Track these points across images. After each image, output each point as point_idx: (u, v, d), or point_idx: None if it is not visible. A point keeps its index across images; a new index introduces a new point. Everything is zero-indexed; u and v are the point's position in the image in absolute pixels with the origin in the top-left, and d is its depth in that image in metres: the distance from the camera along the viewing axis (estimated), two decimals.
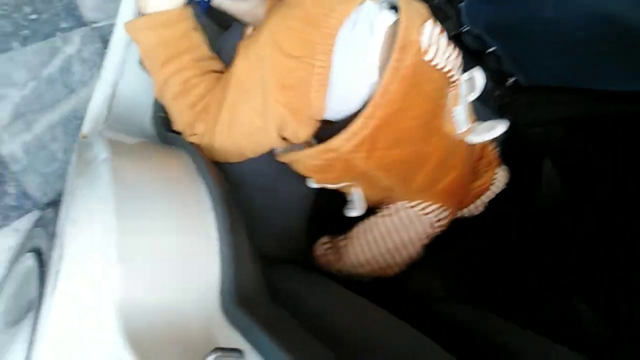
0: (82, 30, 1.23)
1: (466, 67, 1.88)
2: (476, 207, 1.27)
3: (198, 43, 0.83)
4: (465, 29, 1.52)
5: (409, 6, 0.79)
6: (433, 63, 0.79)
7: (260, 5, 0.88)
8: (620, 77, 1.43)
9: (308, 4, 0.73)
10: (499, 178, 1.29)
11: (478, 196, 1.25)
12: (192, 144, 0.76)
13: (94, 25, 1.25)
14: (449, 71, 0.85)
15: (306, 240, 0.95)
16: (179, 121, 0.81)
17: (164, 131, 0.86)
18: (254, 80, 0.73)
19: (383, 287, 1.01)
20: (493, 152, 1.32)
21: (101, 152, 0.67)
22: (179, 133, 0.82)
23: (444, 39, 0.84)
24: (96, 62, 1.29)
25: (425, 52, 0.77)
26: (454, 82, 0.89)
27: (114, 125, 0.83)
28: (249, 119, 0.75)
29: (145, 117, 0.89)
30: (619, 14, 1.21)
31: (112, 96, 0.85)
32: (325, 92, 0.74)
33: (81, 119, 0.97)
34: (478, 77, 0.97)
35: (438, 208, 1.02)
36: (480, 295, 1.12)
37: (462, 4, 1.45)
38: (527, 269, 1.27)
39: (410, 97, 0.77)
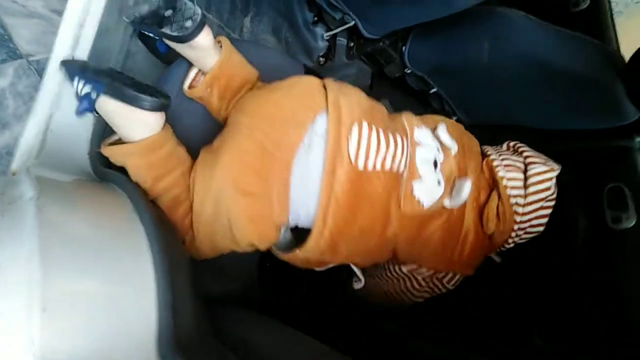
0: (16, 63, 1.17)
1: (414, 109, 1.99)
2: None
3: (183, 157, 0.82)
4: (409, 71, 1.59)
5: (335, 112, 0.77)
6: (369, 169, 0.76)
7: (210, 55, 0.87)
8: (552, 116, 1.53)
9: (259, 128, 0.75)
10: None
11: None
12: (130, 181, 0.72)
13: (31, 58, 1.19)
14: (392, 166, 0.80)
15: (258, 274, 0.91)
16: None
17: (101, 167, 0.82)
18: (219, 221, 0.74)
19: (355, 327, 0.99)
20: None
21: (27, 190, 0.62)
22: (116, 168, 0.78)
23: (375, 137, 0.78)
24: (32, 96, 1.22)
25: (355, 162, 0.75)
26: (401, 170, 0.82)
27: (46, 162, 0.77)
28: (222, 243, 0.77)
29: (82, 152, 0.84)
30: (547, 59, 1.32)
31: (46, 130, 0.80)
32: (287, 211, 0.75)
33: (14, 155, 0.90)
34: (466, 186, 0.87)
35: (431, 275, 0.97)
36: (447, 331, 1.12)
37: (405, 47, 1.52)
38: (489, 304, 1.28)
39: (357, 204, 0.76)
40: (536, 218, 0.92)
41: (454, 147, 0.89)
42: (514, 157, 0.94)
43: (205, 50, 0.85)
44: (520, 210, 0.89)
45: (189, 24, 0.81)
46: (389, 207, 0.79)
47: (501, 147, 1.05)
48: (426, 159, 0.83)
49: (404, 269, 0.95)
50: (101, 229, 0.59)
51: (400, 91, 1.87)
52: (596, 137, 1.52)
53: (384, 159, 0.77)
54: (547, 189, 0.91)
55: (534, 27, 1.31)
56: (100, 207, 0.65)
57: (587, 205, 1.57)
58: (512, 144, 1.03)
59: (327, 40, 1.55)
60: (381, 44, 1.47)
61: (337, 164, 0.73)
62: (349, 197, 0.74)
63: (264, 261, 0.98)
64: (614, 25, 1.74)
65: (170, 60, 0.94)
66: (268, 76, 0.94)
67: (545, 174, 0.91)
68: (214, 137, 0.81)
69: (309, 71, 1.05)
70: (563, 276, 1.41)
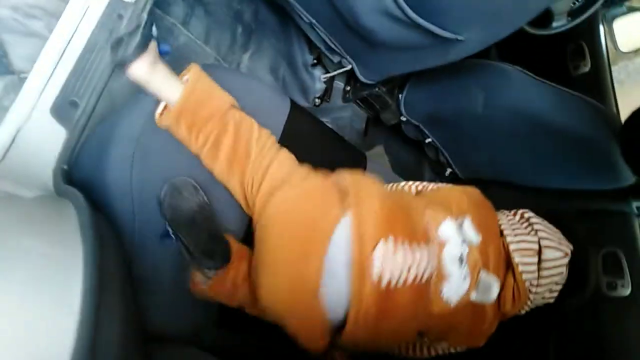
0: (7, 78, 1.17)
1: (409, 157, 1.98)
2: None
3: None
4: (404, 119, 1.58)
5: (360, 227, 0.76)
6: (394, 287, 0.75)
7: (169, 88, 0.79)
8: (546, 174, 1.50)
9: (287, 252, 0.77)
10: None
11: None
12: (85, 201, 0.68)
13: (22, 75, 1.20)
14: (416, 279, 0.77)
15: (204, 314, 0.84)
16: None
17: (63, 183, 0.79)
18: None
19: None
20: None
21: None
22: (75, 186, 0.75)
23: (400, 255, 0.76)
24: None
25: (380, 280, 0.73)
26: (426, 278, 0.79)
27: (4, 174, 0.74)
28: None
29: (47, 168, 0.81)
30: (542, 115, 1.30)
31: (10, 144, 0.77)
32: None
33: None
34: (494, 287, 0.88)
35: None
36: None
37: (401, 95, 1.52)
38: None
39: (383, 318, 0.76)
40: (548, 291, 0.95)
41: (477, 240, 0.88)
42: (529, 238, 0.94)
43: (152, 84, 0.77)
44: (533, 289, 0.91)
45: (130, 50, 0.71)
46: (415, 313, 0.80)
47: (514, 217, 1.06)
48: (453, 257, 0.83)
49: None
50: (42, 243, 0.55)
51: (396, 139, 1.86)
52: (593, 198, 1.48)
53: (407, 276, 0.76)
54: (560, 273, 0.94)
55: (530, 82, 1.30)
56: (49, 222, 0.62)
57: (582, 268, 1.51)
58: (526, 215, 1.04)
59: (325, 82, 1.56)
60: (377, 89, 1.47)
61: (362, 286, 0.73)
62: (376, 313, 0.74)
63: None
64: (614, 91, 1.74)
65: None
66: (252, 107, 0.92)
67: (558, 260, 0.93)
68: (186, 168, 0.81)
69: (296, 107, 1.03)
70: (548, 338, 1.36)
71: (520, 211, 1.07)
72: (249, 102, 0.92)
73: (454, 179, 1.84)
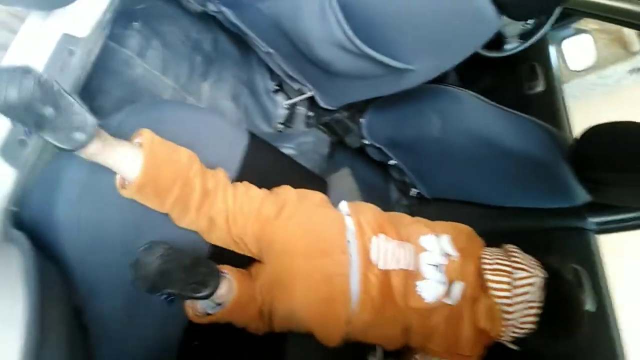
0: None
1: (376, 178, 2.00)
2: None
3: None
4: (367, 142, 1.61)
5: (360, 230, 0.97)
6: (389, 268, 0.95)
7: (126, 159, 0.77)
8: (504, 194, 1.54)
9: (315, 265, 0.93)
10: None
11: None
12: (31, 247, 0.66)
13: None
14: (405, 265, 0.97)
15: (164, 352, 0.82)
16: None
17: (10, 228, 0.76)
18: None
19: None
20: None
21: None
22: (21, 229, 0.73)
23: (391, 245, 0.97)
24: None
25: (377, 263, 0.94)
26: (411, 269, 0.98)
27: None
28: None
29: None
30: (495, 138, 1.35)
31: None
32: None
33: None
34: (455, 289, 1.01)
35: None
36: None
37: (363, 119, 1.55)
38: None
39: (383, 300, 0.94)
40: (523, 317, 0.98)
41: (455, 255, 1.03)
42: (505, 262, 1.03)
43: (106, 161, 0.75)
44: (508, 309, 0.97)
45: (78, 135, 0.69)
46: (404, 300, 0.96)
47: (500, 249, 1.14)
48: (429, 262, 0.99)
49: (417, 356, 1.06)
50: None
51: (361, 161, 1.88)
52: (552, 216, 1.52)
53: (398, 262, 0.96)
54: (526, 293, 0.97)
55: (483, 107, 1.34)
56: None
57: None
58: (509, 247, 1.12)
59: (287, 108, 1.57)
60: (339, 114, 1.49)
61: (367, 269, 0.93)
62: (378, 294, 0.93)
63: (189, 340, 0.90)
64: (566, 109, 1.82)
65: None
66: (208, 142, 0.91)
67: (525, 279, 0.98)
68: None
69: (254, 139, 1.03)
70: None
71: (505, 246, 1.15)
72: (204, 137, 0.92)
73: (420, 198, 1.88)
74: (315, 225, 0.96)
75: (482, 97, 1.37)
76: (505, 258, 1.06)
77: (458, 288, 0.99)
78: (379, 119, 1.53)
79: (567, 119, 1.75)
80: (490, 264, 1.03)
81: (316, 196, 1.04)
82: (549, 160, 1.32)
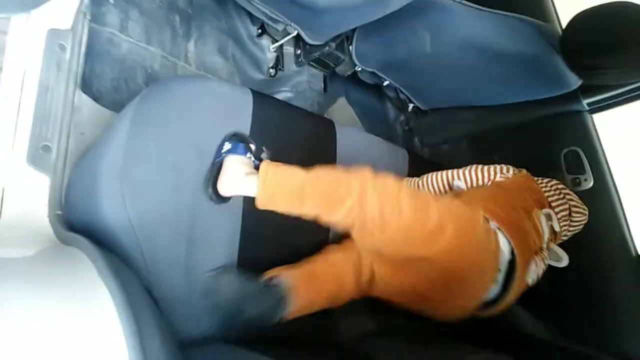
0: None
1: (372, 101, 2.02)
2: None
3: None
4: (359, 69, 1.61)
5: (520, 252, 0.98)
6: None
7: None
8: (499, 93, 1.59)
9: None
10: None
11: None
12: (94, 246, 0.72)
13: None
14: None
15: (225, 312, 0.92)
16: None
17: (64, 231, 0.82)
18: None
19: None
20: None
21: None
22: (79, 232, 0.79)
23: (534, 266, 1.04)
24: None
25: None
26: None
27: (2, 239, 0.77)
28: None
29: (41, 219, 0.84)
30: (486, 43, 1.36)
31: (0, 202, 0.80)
32: None
33: None
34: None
35: None
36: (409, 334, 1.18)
37: (352, 46, 1.54)
38: None
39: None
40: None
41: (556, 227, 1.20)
42: (564, 206, 1.27)
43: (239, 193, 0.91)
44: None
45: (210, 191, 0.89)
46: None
47: (549, 187, 1.32)
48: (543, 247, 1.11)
49: None
50: (62, 301, 0.61)
51: (355, 87, 1.90)
52: (548, 104, 1.58)
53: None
54: (582, 226, 1.32)
55: (471, 13, 1.34)
56: (58, 280, 0.66)
57: (548, 170, 1.64)
58: (559, 187, 1.33)
59: (275, 51, 1.56)
60: (327, 48, 1.49)
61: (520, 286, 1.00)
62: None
63: None
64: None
65: None
66: (218, 109, 0.94)
67: (583, 219, 1.32)
68: None
69: (258, 95, 1.06)
70: None
71: (552, 182, 1.34)
72: (214, 106, 0.95)
73: (417, 112, 1.92)
74: (475, 254, 0.94)
75: (467, 3, 1.36)
76: (563, 200, 1.29)
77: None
78: (368, 44, 1.52)
79: (553, 5, 1.74)
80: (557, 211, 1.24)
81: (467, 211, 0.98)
82: (540, 55, 1.35)
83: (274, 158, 1.01)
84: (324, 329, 1.06)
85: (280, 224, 1.03)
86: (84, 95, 1.00)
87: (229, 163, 0.90)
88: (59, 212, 0.87)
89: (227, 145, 0.93)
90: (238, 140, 0.94)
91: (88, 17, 1.03)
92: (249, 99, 1.02)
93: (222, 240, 0.93)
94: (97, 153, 0.84)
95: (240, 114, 0.99)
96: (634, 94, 1.49)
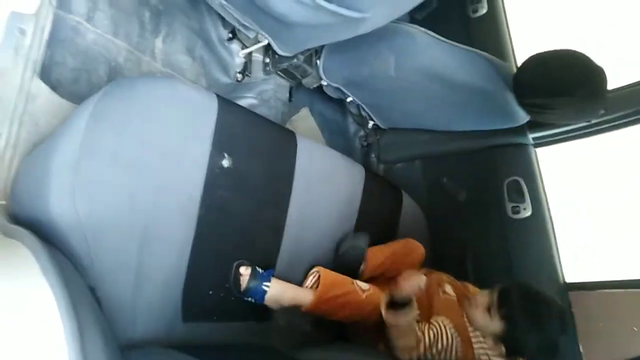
0: None
1: (334, 114, 2.07)
2: None
3: None
4: (325, 83, 1.65)
5: None
6: None
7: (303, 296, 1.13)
8: (454, 120, 1.68)
9: None
10: None
11: None
12: (38, 240, 0.70)
13: None
14: None
15: (169, 314, 0.92)
16: None
17: (6, 222, 0.79)
18: None
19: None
20: None
21: None
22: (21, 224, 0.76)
23: None
24: None
25: None
26: None
27: None
28: None
29: None
30: (445, 73, 1.44)
31: None
32: None
33: None
34: None
35: None
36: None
37: (319, 61, 1.58)
38: None
39: None
40: None
41: None
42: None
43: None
44: None
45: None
46: None
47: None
48: None
49: None
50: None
51: (319, 99, 1.93)
52: (497, 134, 1.68)
53: None
54: None
55: (433, 42, 1.42)
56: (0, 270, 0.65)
57: (491, 197, 1.75)
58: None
59: (244, 57, 1.57)
60: (296, 60, 1.51)
61: None
62: None
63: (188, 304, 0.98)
64: (509, 29, 1.92)
65: None
66: (181, 113, 0.94)
67: None
68: None
69: (223, 101, 1.06)
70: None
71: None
72: (178, 108, 0.95)
73: (376, 129, 1.99)
74: None
75: (432, 33, 1.43)
76: None
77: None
78: (335, 61, 1.57)
79: (510, 39, 1.87)
80: None
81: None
82: (493, 90, 1.44)
83: (234, 165, 1.02)
84: (259, 334, 1.08)
85: (233, 231, 1.04)
86: (42, 84, 0.97)
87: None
88: (3, 202, 0.84)
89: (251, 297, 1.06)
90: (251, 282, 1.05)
91: (54, 3, 1.00)
92: (214, 105, 1.02)
93: (175, 244, 0.93)
94: (52, 145, 0.81)
95: (204, 119, 1.00)
96: (576, 133, 1.62)
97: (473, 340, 1.07)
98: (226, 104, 1.06)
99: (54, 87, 1.06)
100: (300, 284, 1.20)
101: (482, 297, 1.08)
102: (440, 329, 1.07)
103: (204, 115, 1.00)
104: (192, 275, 0.94)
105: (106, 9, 1.22)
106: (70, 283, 0.65)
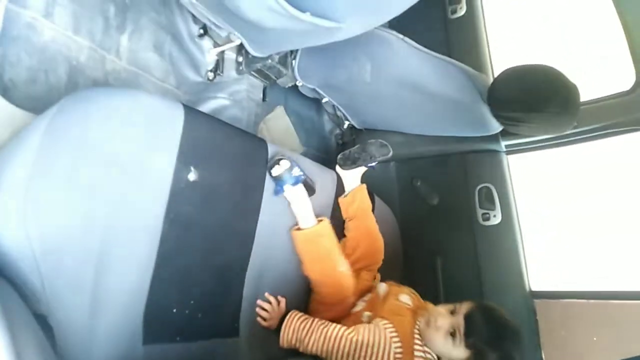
0: None
1: (309, 112, 2.04)
2: None
3: None
4: (300, 84, 1.61)
5: None
6: None
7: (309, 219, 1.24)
8: (427, 126, 1.68)
9: None
10: None
11: None
12: None
13: None
14: None
15: (130, 337, 0.87)
16: None
17: None
18: None
19: None
20: None
21: None
22: None
23: None
24: None
25: None
26: None
27: None
28: None
29: None
30: (420, 81, 1.43)
31: None
32: None
33: None
34: None
35: None
36: None
37: (295, 61, 1.53)
38: None
39: None
40: None
41: None
42: None
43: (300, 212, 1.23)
44: None
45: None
46: None
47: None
48: None
49: None
50: None
51: (294, 97, 1.89)
52: (470, 141, 1.69)
53: None
54: None
55: (411, 51, 1.40)
56: None
57: (462, 202, 1.77)
58: None
59: (216, 55, 1.51)
60: (270, 60, 1.47)
61: None
62: None
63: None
64: (486, 30, 1.92)
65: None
66: (146, 124, 0.89)
67: None
68: None
69: (190, 111, 1.02)
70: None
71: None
72: (141, 120, 0.89)
73: (352, 129, 1.96)
74: None
75: (409, 41, 1.41)
76: None
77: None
78: (311, 63, 1.53)
79: (487, 43, 1.86)
80: None
81: None
82: (468, 101, 1.44)
83: (201, 178, 0.99)
84: (225, 352, 1.06)
85: (200, 245, 1.01)
86: (20, 72, 0.90)
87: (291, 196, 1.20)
88: None
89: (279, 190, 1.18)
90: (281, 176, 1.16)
91: None
92: (179, 115, 0.97)
93: (136, 262, 0.89)
94: (0, 165, 0.76)
95: (169, 131, 0.95)
96: (548, 142, 1.65)
97: (416, 353, 1.02)
98: (193, 113, 1.01)
99: (7, 89, 1.00)
100: (271, 291, 1.21)
101: (443, 319, 1.02)
102: (377, 330, 1.06)
103: (168, 127, 0.95)
104: (155, 293, 0.91)
105: (66, 4, 1.15)
106: (11, 314, 0.61)
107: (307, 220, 1.21)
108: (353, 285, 1.29)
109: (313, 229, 1.21)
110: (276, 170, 1.15)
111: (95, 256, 0.81)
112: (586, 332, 1.37)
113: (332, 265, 1.24)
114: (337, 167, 1.45)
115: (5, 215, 0.73)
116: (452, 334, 0.99)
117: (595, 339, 1.35)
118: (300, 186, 1.20)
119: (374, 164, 1.43)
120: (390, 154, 1.38)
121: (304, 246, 1.23)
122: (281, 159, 1.16)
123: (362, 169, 1.48)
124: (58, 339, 0.77)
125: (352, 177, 1.47)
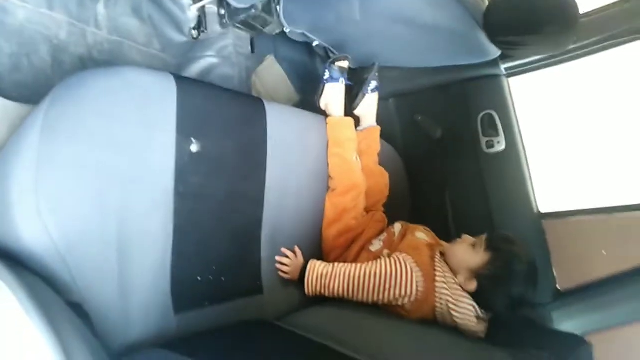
0: None
1: (301, 57, 1.97)
2: None
3: None
4: (288, 30, 1.55)
5: None
6: None
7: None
8: (423, 58, 1.63)
9: None
10: None
11: None
12: (10, 272, 0.68)
13: None
14: None
15: (161, 309, 0.92)
16: None
17: None
18: None
19: None
20: None
21: None
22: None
23: None
24: None
25: None
26: None
27: None
28: None
29: None
30: (413, 16, 1.37)
31: None
32: None
33: None
34: None
35: None
36: None
37: (279, 6, 1.47)
38: None
39: None
40: None
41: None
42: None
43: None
44: None
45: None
46: None
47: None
48: None
49: None
50: None
51: (283, 44, 1.83)
52: (469, 68, 1.65)
53: None
54: None
55: None
56: None
57: (466, 133, 1.76)
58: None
59: (197, 10, 1.44)
60: (254, 10, 1.41)
61: None
62: None
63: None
64: None
65: None
66: (140, 102, 0.88)
67: None
68: None
69: (181, 80, 0.99)
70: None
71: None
72: (133, 97, 0.88)
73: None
74: None
75: None
76: None
77: None
78: (296, 6, 1.46)
79: None
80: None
81: None
82: (464, 28, 1.38)
83: (203, 148, 0.99)
84: (252, 309, 1.12)
85: (212, 214, 1.04)
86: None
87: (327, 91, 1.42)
88: None
89: (326, 74, 1.42)
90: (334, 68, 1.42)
91: None
92: (171, 87, 0.96)
93: (155, 239, 0.92)
94: (5, 169, 0.76)
95: (163, 104, 0.94)
96: (549, 61, 1.60)
97: (437, 279, 1.09)
98: (185, 83, 1.00)
99: None
100: (287, 246, 1.23)
101: (467, 237, 1.14)
102: (397, 261, 1.12)
103: (162, 100, 0.94)
104: (178, 266, 0.94)
105: None
106: (47, 306, 0.64)
107: (339, 111, 1.43)
108: (364, 181, 1.44)
109: (341, 118, 1.42)
110: (341, 64, 1.41)
111: (115, 240, 0.84)
112: (595, 246, 1.42)
113: (350, 152, 1.40)
114: (354, 111, 1.55)
115: (21, 216, 0.74)
116: (473, 246, 1.10)
117: (604, 252, 1.40)
118: (343, 87, 1.44)
119: (371, 86, 1.55)
120: (377, 65, 1.52)
121: (332, 131, 1.40)
122: (346, 58, 1.42)
123: (370, 102, 1.58)
124: (96, 324, 0.81)
125: (370, 114, 1.60)
